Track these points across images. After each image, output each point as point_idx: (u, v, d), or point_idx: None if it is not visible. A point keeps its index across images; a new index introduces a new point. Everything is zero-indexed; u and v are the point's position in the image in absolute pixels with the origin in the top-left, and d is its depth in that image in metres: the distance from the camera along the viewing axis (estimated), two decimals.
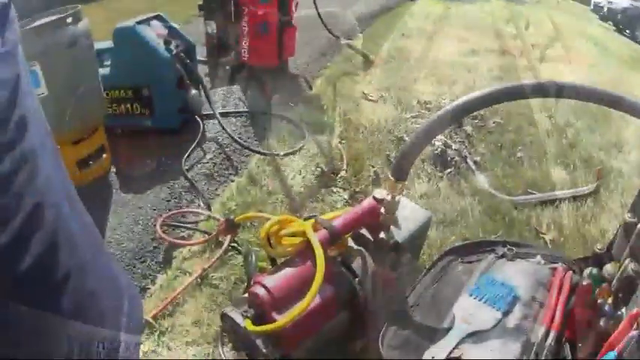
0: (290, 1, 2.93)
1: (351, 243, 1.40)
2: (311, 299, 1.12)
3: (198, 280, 1.59)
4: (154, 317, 1.49)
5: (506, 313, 1.27)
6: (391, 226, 1.40)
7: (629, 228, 1.18)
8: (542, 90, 1.26)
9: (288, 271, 1.22)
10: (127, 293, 0.47)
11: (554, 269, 1.39)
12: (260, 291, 1.18)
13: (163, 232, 1.77)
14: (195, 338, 1.44)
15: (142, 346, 1.44)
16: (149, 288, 1.64)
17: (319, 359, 1.31)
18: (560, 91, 1.23)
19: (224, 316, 1.28)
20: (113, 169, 2.12)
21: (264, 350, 1.17)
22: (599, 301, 1.12)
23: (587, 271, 1.24)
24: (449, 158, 2.15)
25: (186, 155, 2.14)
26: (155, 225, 1.80)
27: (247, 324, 1.17)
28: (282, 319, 1.10)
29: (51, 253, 0.37)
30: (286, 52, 3.02)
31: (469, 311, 1.30)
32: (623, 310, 1.05)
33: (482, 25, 5.05)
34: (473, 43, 4.16)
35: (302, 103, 2.51)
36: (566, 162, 2.31)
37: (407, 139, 2.11)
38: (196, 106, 2.33)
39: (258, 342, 1.18)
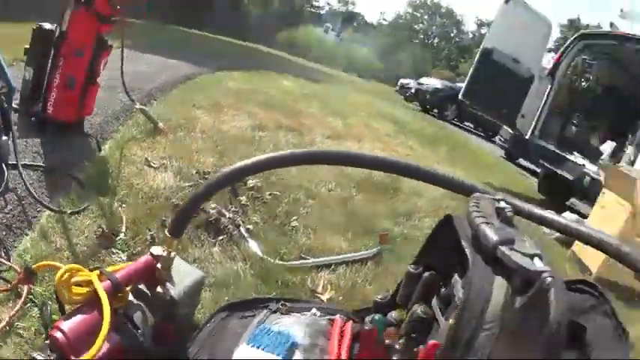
0: (100, 59, 2.84)
1: (132, 297, 1.40)
2: (99, 347, 1.14)
3: (7, 328, 1.47)
4: None
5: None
6: (167, 283, 1.44)
7: (413, 277, 1.30)
8: (308, 157, 1.41)
9: (81, 317, 1.22)
10: None
11: (333, 320, 1.41)
12: (58, 334, 1.16)
13: None
14: None
15: None
16: None
17: None
18: (327, 157, 1.39)
19: None
20: None
21: None
22: (387, 341, 1.19)
23: (368, 317, 1.29)
24: (222, 226, 2.21)
25: None
26: None
27: None
28: None
29: None
30: (85, 110, 2.93)
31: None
32: (421, 347, 1.10)
33: (277, 103, 5.21)
34: (263, 118, 4.30)
35: (92, 163, 2.46)
36: (345, 229, 2.42)
37: (182, 203, 2.16)
38: (4, 153, 2.11)
39: None
